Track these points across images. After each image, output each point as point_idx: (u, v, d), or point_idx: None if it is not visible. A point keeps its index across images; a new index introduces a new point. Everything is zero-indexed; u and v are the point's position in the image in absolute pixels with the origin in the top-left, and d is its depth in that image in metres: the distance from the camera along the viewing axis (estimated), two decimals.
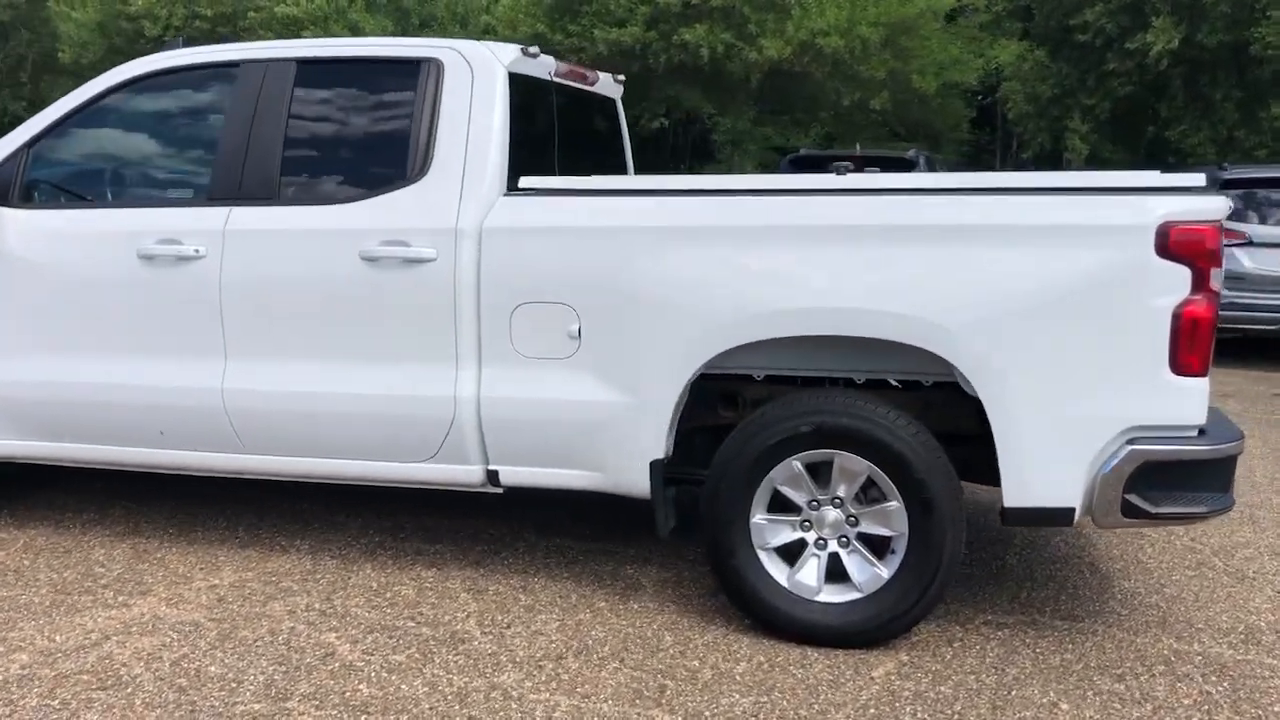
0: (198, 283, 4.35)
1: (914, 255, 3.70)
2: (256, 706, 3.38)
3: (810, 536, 3.90)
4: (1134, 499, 3.61)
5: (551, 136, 4.79)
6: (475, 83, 4.21)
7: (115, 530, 5.01)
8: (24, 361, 4.59)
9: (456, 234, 4.07)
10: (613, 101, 5.50)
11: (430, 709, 3.39)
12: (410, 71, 4.28)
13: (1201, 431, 3.65)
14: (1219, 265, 3.56)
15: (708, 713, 3.40)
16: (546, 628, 3.99)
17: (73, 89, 4.66)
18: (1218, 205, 3.57)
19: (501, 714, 3.37)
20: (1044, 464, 3.64)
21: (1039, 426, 3.64)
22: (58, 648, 3.77)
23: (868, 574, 3.84)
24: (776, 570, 3.90)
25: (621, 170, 5.54)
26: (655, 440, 3.94)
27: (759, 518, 3.88)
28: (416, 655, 3.76)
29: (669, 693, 3.53)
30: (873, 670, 3.70)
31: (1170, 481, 3.67)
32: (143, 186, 4.76)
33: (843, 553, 3.87)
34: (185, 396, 4.40)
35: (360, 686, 3.53)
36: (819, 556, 3.89)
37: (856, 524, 3.86)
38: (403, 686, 3.53)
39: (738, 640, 3.91)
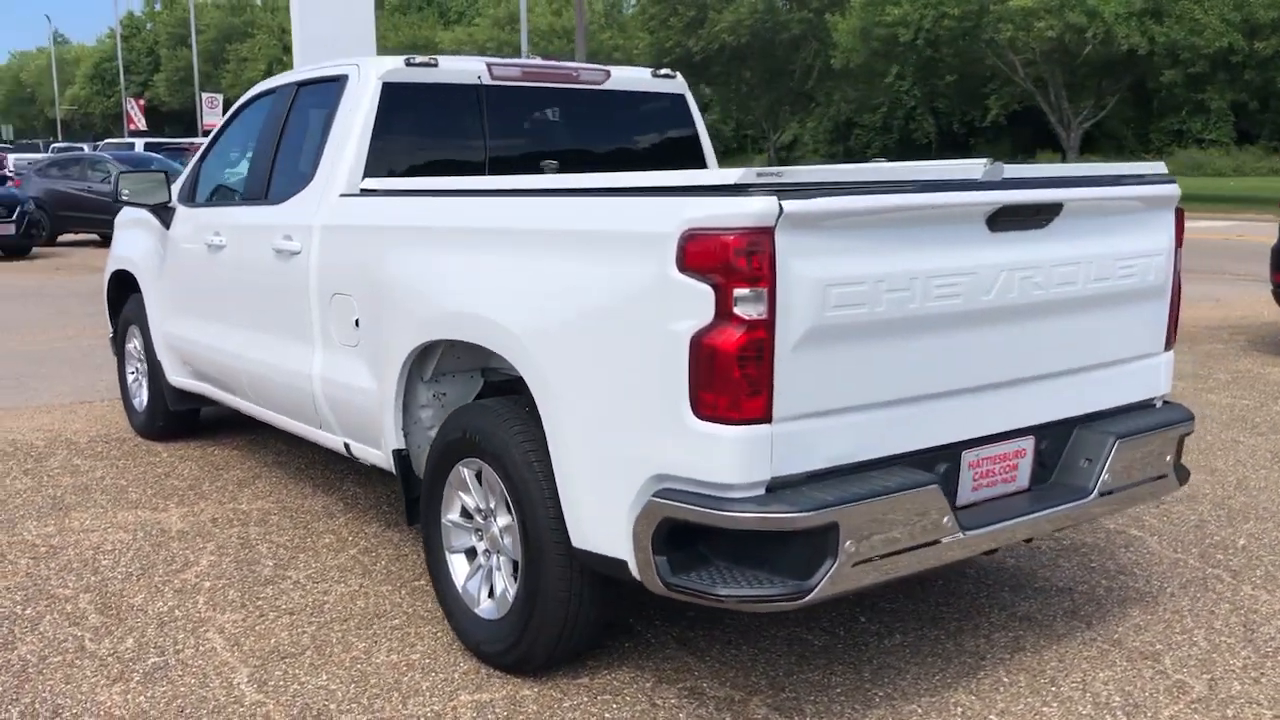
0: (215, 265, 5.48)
1: (493, 259, 3.50)
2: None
3: (480, 546, 3.80)
4: (661, 565, 2.99)
5: (500, 135, 4.98)
6: (357, 94, 4.65)
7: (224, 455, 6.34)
8: (184, 321, 6.05)
9: (309, 230, 4.61)
10: (655, 96, 5.41)
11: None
12: (332, 88, 4.86)
13: (770, 489, 2.89)
14: (752, 284, 2.79)
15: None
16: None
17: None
18: (754, 209, 2.78)
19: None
20: (592, 502, 3.19)
21: (586, 458, 3.20)
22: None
23: (499, 594, 3.66)
24: (459, 575, 3.87)
25: (661, 163, 5.41)
26: (394, 430, 4.13)
27: (449, 519, 3.89)
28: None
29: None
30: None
31: (714, 550, 2.98)
32: (224, 188, 5.93)
33: (495, 567, 3.73)
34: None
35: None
36: (483, 568, 3.78)
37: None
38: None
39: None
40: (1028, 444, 3.48)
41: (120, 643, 3.95)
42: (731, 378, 2.81)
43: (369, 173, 4.53)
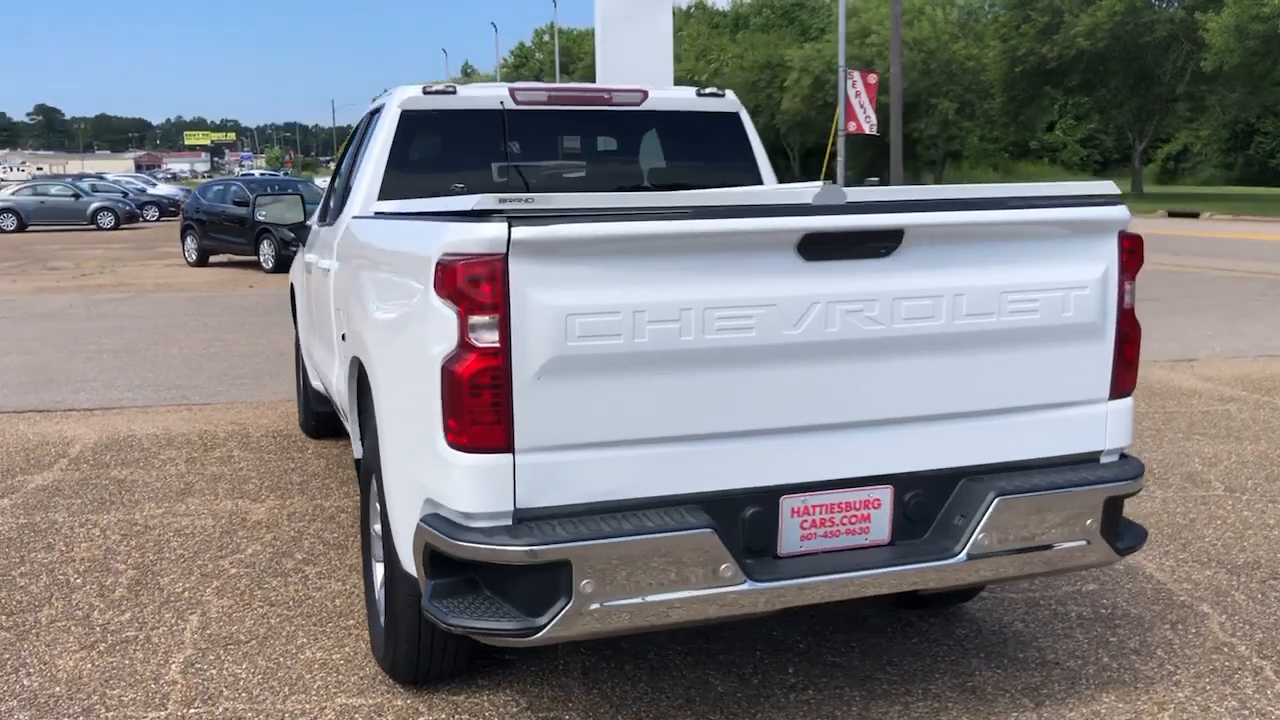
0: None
1: (362, 279, 3.66)
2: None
3: None
4: (426, 589, 3.00)
5: (525, 159, 5.09)
6: (383, 121, 4.95)
7: None
8: (304, 330, 6.65)
9: (333, 250, 4.96)
10: (702, 116, 5.32)
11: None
12: (378, 116, 5.19)
13: (520, 521, 2.84)
14: (486, 311, 2.75)
15: None
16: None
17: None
18: (486, 235, 2.73)
19: None
20: (400, 523, 3.24)
21: (392, 477, 3.27)
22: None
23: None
24: (376, 584, 4.02)
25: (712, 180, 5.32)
26: (356, 440, 4.39)
27: (375, 528, 4.06)
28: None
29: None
30: None
31: (484, 580, 2.95)
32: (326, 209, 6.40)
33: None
34: None
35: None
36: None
37: None
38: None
39: None
40: (884, 494, 3.15)
41: (118, 616, 4.43)
42: (469, 405, 2.78)
43: (388, 196, 4.79)
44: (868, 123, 27.92)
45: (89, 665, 3.98)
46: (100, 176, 50.22)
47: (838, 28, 56.38)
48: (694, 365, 2.88)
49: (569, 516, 2.86)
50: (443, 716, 3.58)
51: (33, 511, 5.82)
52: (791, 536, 3.08)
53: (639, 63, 14.96)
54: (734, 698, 3.68)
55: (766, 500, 3.03)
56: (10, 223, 35.62)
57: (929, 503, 3.19)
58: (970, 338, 3.11)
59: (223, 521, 5.65)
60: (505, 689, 3.75)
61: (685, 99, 5.28)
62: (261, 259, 21.00)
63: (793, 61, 59.21)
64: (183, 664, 3.98)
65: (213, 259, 22.93)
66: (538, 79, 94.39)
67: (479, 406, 2.78)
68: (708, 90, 5.33)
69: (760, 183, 5.34)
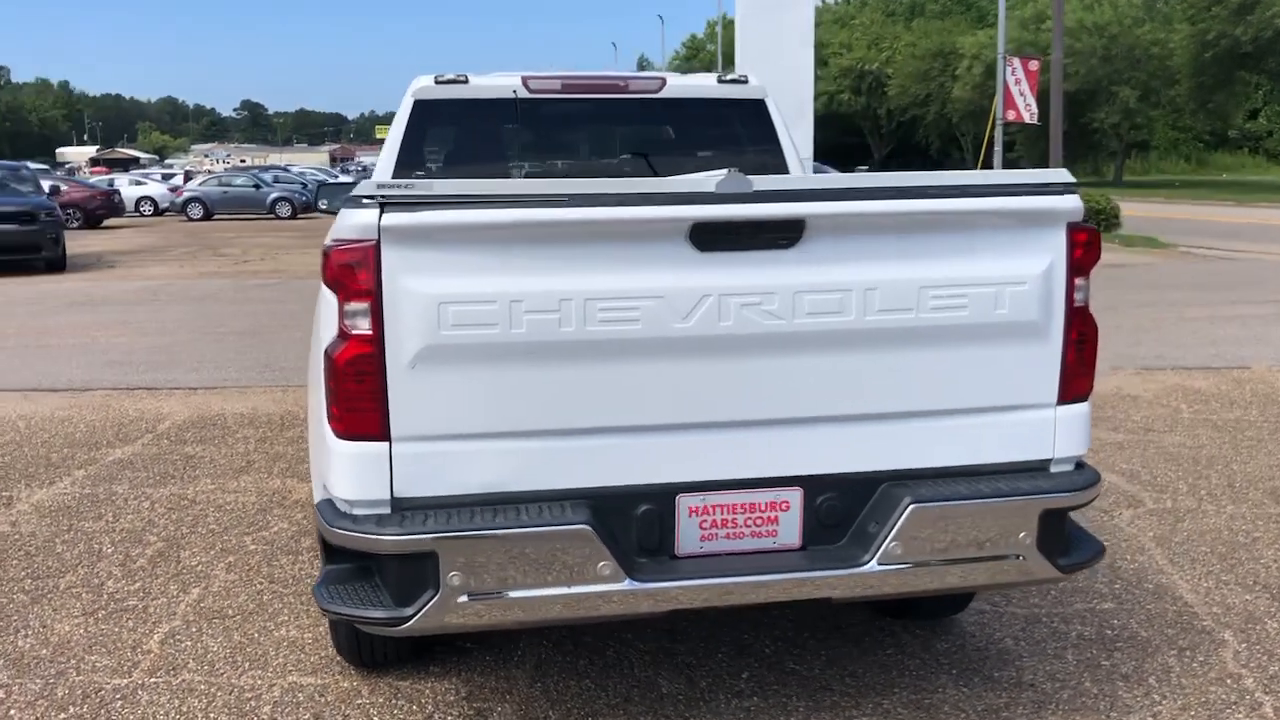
0: None
1: None
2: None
3: None
4: (321, 574, 3.03)
5: (537, 147, 5.08)
6: (399, 112, 5.02)
7: None
8: None
9: None
10: (723, 102, 5.19)
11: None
12: (403, 104, 5.25)
13: (400, 509, 2.83)
14: (359, 298, 2.75)
15: None
16: None
17: None
18: (359, 222, 2.72)
19: None
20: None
21: (310, 460, 3.30)
22: None
23: None
24: None
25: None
26: None
27: None
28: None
29: None
30: None
31: (359, 573, 2.96)
32: None
33: None
34: None
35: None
36: None
37: None
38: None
39: None
40: (793, 496, 2.99)
41: (128, 586, 4.65)
42: (346, 393, 2.79)
43: None
44: (1027, 111, 26.71)
45: (81, 631, 4.18)
46: (285, 169, 52.78)
47: (1022, 13, 54.41)
48: (576, 357, 2.80)
49: (447, 507, 2.83)
50: (380, 700, 3.61)
51: (99, 483, 6.16)
52: (690, 537, 2.96)
53: (778, 52, 14.80)
54: (674, 699, 3.59)
55: (661, 498, 2.93)
56: (197, 211, 37.88)
57: (845, 507, 3.02)
58: (886, 335, 2.93)
59: (264, 499, 5.85)
60: (452, 677, 3.75)
61: (705, 86, 5.16)
62: None
63: (964, 49, 57.33)
64: (165, 635, 4.14)
65: None
66: (708, 71, 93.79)
67: (356, 394, 2.78)
68: (729, 76, 5.20)
69: (785, 172, 5.17)
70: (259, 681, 3.74)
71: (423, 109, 4.96)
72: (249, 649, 4.00)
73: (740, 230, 2.82)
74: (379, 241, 2.71)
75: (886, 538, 2.92)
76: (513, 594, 2.79)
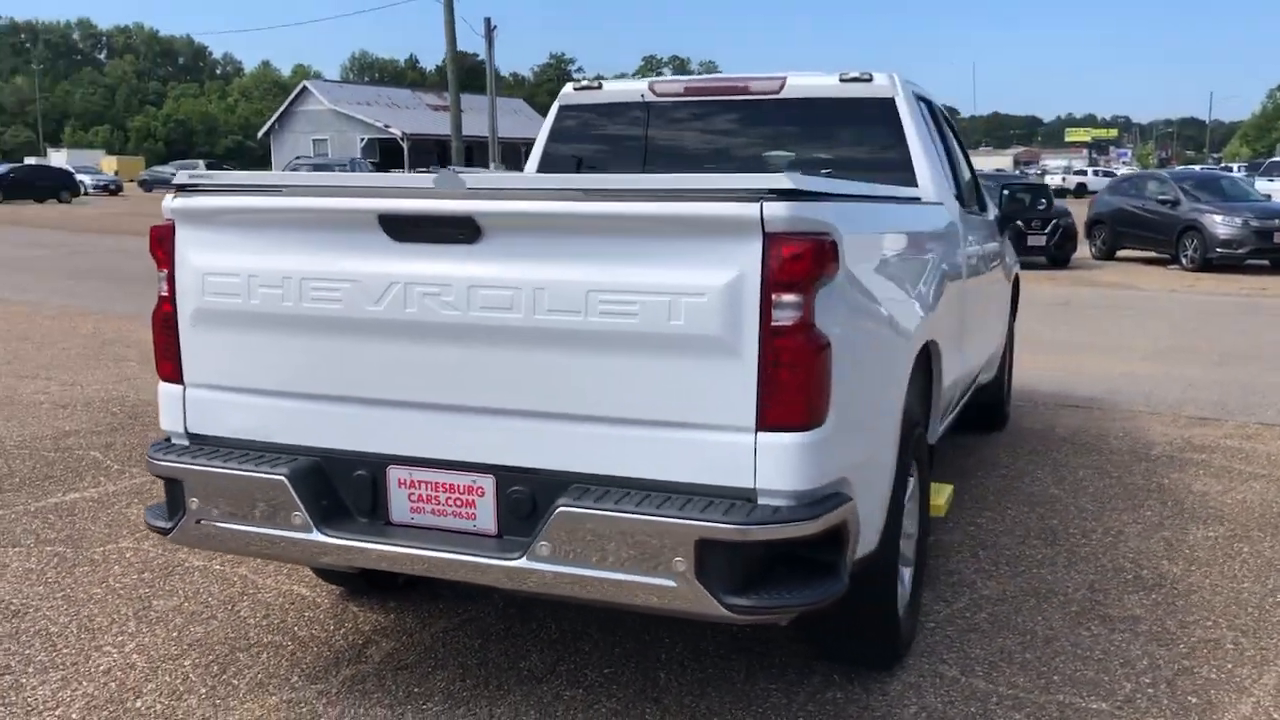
0: None
1: None
2: None
3: None
4: None
5: (663, 148, 5.26)
6: (549, 114, 5.53)
7: None
8: None
9: None
10: (846, 102, 4.96)
11: None
12: None
13: (193, 443, 3.45)
14: (163, 265, 3.38)
15: None
16: None
17: None
18: (167, 203, 3.35)
19: None
20: None
21: None
22: None
23: None
24: None
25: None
26: None
27: None
28: None
29: None
30: None
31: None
32: None
33: None
34: None
35: None
36: None
37: None
38: None
39: None
40: (487, 483, 3.06)
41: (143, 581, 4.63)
42: (159, 343, 3.45)
43: None
44: None
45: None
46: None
47: None
48: (296, 329, 3.18)
49: (214, 445, 3.37)
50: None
51: None
52: (400, 506, 3.18)
53: None
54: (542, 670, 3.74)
55: (374, 467, 3.19)
56: None
57: (533, 501, 3.03)
58: (556, 336, 2.90)
59: None
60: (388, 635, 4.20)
61: (825, 85, 4.95)
62: (1184, 257, 20.47)
63: None
64: (155, 618, 4.79)
65: (1120, 254, 22.69)
66: None
67: (164, 345, 3.42)
68: (851, 75, 4.92)
69: (911, 171, 4.78)
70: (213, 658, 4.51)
71: (564, 113, 5.41)
72: (217, 640, 4.75)
73: (423, 223, 3.00)
74: (174, 221, 3.33)
75: (538, 536, 2.91)
76: (229, 525, 3.25)
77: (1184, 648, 3.97)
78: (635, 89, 5.32)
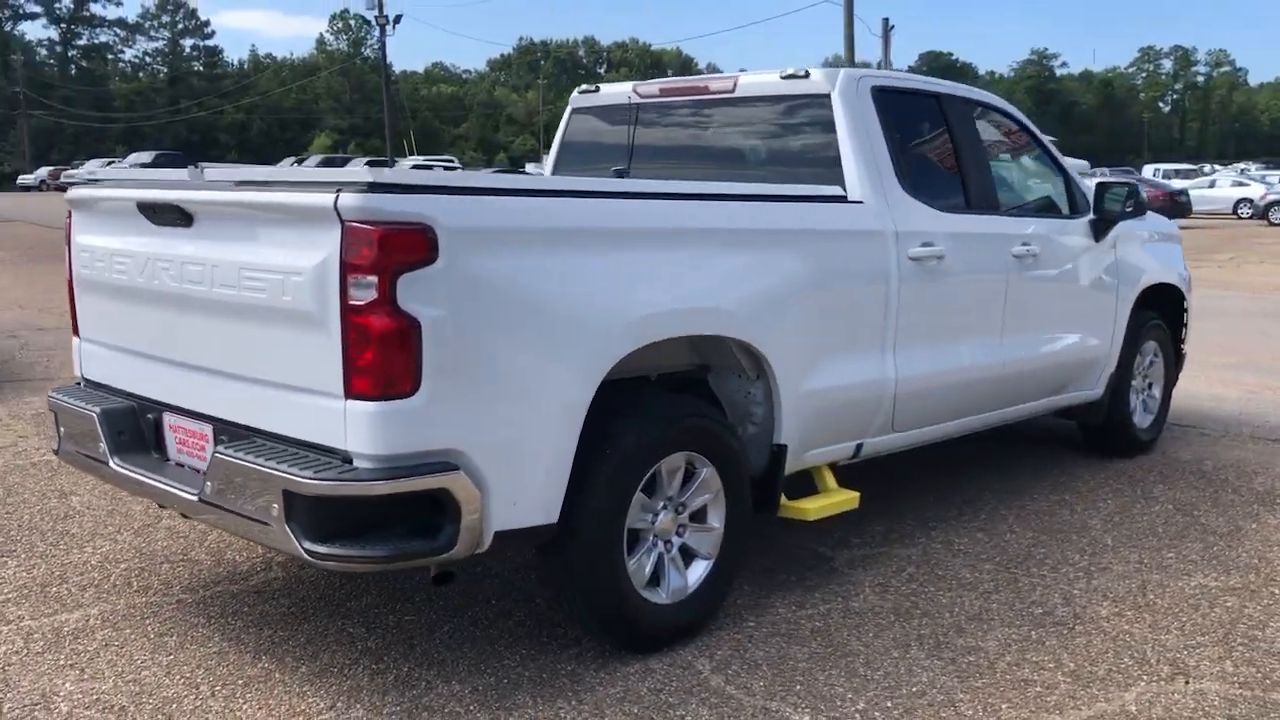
0: None
1: None
2: None
3: None
4: None
5: (644, 146, 5.49)
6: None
7: None
8: None
9: None
10: (786, 98, 4.97)
11: None
12: None
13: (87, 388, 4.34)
14: (67, 244, 4.28)
15: None
16: None
17: None
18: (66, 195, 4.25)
19: None
20: None
21: None
22: None
23: None
24: None
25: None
26: None
27: None
28: None
29: None
30: None
31: None
32: None
33: None
34: None
35: None
36: None
37: None
38: None
39: None
40: (208, 430, 3.65)
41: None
42: (70, 304, 4.35)
43: (558, 174, 5.77)
44: None
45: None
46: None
47: None
48: (113, 295, 4.02)
49: (88, 388, 4.23)
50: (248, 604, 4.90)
51: None
52: (173, 447, 3.86)
53: None
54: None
55: (156, 411, 3.90)
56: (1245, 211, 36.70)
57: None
58: (224, 307, 3.50)
59: None
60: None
61: (767, 82, 4.94)
62: None
63: None
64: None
65: None
66: None
67: (71, 306, 4.34)
68: (789, 72, 4.85)
69: (839, 168, 4.67)
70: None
71: (574, 115, 5.79)
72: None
73: (160, 210, 3.70)
74: (71, 208, 4.24)
75: (206, 477, 3.46)
76: (76, 449, 4.10)
77: None
78: (623, 91, 5.58)
